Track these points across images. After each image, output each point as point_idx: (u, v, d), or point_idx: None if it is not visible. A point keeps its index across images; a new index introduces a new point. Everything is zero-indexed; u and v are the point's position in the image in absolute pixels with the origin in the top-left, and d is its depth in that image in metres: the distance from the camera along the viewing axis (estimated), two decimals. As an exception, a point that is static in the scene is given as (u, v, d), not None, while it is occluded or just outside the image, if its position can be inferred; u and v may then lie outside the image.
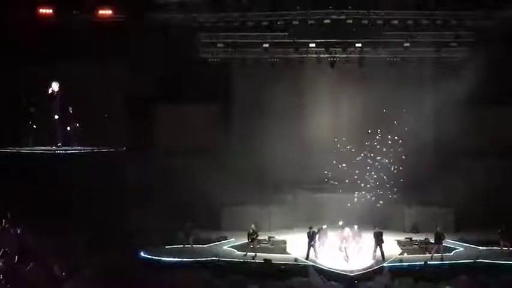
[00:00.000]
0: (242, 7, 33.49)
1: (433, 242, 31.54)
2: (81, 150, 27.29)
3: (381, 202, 36.39)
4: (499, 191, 34.81)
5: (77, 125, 27.70)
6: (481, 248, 32.34)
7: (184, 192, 34.56)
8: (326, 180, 37.64)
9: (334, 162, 36.99)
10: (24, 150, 26.99)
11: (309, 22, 33.65)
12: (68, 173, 26.48)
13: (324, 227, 31.79)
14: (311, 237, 30.91)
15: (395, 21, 33.26)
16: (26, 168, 26.31)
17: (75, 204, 27.62)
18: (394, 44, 34.72)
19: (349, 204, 35.78)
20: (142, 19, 32.37)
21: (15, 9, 29.44)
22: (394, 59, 35.85)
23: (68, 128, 26.90)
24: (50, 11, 29.58)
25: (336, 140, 37.14)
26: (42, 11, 28.95)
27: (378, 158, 36.93)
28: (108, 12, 30.43)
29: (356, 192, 36.62)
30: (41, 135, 26.97)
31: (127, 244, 29.75)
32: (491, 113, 36.02)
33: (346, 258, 30.57)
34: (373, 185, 36.68)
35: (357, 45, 34.76)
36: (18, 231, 24.73)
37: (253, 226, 31.96)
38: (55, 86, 22.23)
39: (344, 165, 36.86)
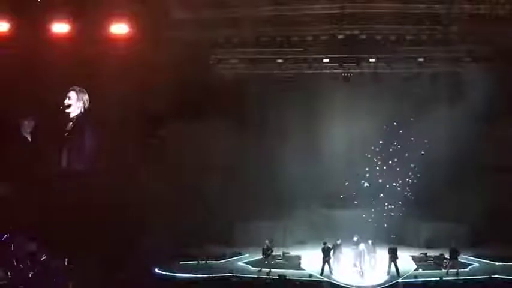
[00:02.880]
0: (257, 23, 33.56)
1: (449, 257, 31.44)
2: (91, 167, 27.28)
3: (396, 218, 36.37)
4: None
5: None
6: (496, 263, 32.21)
7: (199, 208, 34.60)
8: (341, 197, 37.65)
9: (350, 178, 37.05)
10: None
11: (322, 38, 33.66)
12: (80, 190, 26.52)
13: (339, 242, 31.76)
14: (326, 252, 30.89)
15: (410, 37, 33.17)
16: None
17: (88, 222, 27.67)
18: (408, 59, 34.68)
19: (364, 220, 35.81)
20: (157, 35, 32.49)
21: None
22: (408, 74, 35.80)
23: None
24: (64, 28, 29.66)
25: (354, 157, 37.23)
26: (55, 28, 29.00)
27: (393, 173, 36.94)
28: (122, 28, 30.45)
29: (371, 208, 36.61)
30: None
31: (141, 260, 29.75)
32: (506, 128, 35.87)
33: (360, 273, 30.52)
34: (388, 200, 36.66)
35: (371, 60, 34.76)
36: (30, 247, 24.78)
37: (267, 242, 32.01)
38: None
39: (360, 181, 36.94)
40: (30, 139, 24.10)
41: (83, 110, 20.46)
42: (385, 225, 35.59)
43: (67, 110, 20.28)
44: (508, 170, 35.45)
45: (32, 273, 23.89)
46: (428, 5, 31.40)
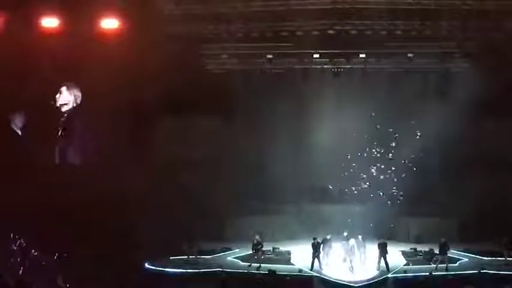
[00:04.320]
0: (246, 18, 33.46)
1: (438, 252, 31.55)
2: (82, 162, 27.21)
3: (386, 213, 36.50)
4: (503, 202, 34.78)
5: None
6: (485, 258, 32.35)
7: (188, 203, 34.55)
8: (331, 192, 37.78)
9: (340, 173, 37.16)
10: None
11: (313, 33, 33.66)
12: (71, 186, 26.50)
13: (329, 237, 31.79)
14: (316, 248, 30.91)
15: (400, 32, 33.21)
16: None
17: (78, 218, 27.64)
18: (398, 54, 34.74)
19: (354, 215, 35.89)
20: (146, 30, 32.39)
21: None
22: (398, 69, 35.86)
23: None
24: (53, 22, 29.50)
25: (343, 152, 37.31)
26: (44, 22, 28.82)
27: (383, 168, 37.07)
28: (113, 23, 30.33)
29: (361, 203, 36.73)
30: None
31: (131, 256, 29.71)
32: (495, 124, 35.98)
33: (350, 269, 30.55)
34: (378, 196, 36.78)
35: (361, 55, 34.80)
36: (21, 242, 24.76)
37: (257, 237, 31.99)
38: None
39: (350, 176, 37.04)
40: (21, 134, 24.01)
41: (74, 105, 20.40)
42: (375, 220, 35.65)
43: (58, 105, 20.20)
44: (497, 165, 35.63)
45: (22, 268, 23.92)
46: (418, 1, 31.47)
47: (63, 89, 20.52)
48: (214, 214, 35.55)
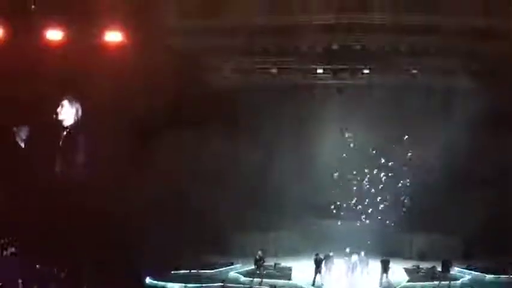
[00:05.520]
0: (249, 32, 33.44)
1: (440, 269, 31.42)
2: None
3: (389, 229, 36.39)
4: (506, 219, 34.64)
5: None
6: (488, 276, 32.20)
7: (191, 217, 34.45)
8: (334, 208, 37.63)
9: (343, 189, 37.08)
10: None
11: (317, 48, 33.65)
12: (73, 198, 26.49)
13: (331, 254, 31.64)
14: (318, 263, 30.79)
15: (404, 48, 33.18)
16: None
17: (79, 230, 27.59)
18: (402, 70, 34.67)
19: (357, 231, 35.78)
20: (149, 43, 32.42)
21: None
22: (402, 85, 35.76)
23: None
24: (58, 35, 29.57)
25: (348, 168, 37.29)
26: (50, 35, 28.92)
27: (386, 184, 36.95)
28: (116, 36, 30.38)
29: (364, 220, 36.64)
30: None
31: (133, 269, 29.60)
32: (499, 141, 35.86)
33: (353, 285, 30.42)
34: (381, 212, 36.66)
35: (365, 71, 34.76)
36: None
37: (260, 252, 31.92)
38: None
39: (354, 192, 36.96)
40: (23, 146, 24.07)
41: (76, 118, 20.46)
42: (378, 237, 35.51)
43: (60, 118, 20.27)
44: (499, 182, 35.50)
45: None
46: (423, 17, 31.48)
47: (65, 102, 20.61)
48: (216, 228, 35.44)
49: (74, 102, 19.98)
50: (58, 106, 21.27)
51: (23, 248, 25.66)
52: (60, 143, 22.60)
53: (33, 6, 29.05)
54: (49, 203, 26.74)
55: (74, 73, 30.65)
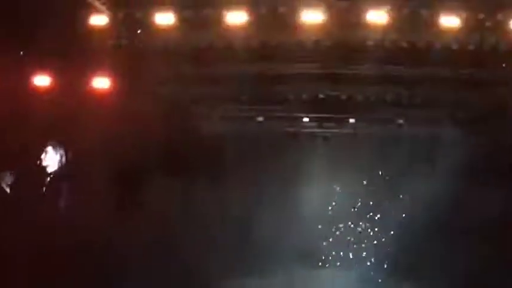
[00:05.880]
0: (237, 81, 33.62)
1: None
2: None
3: (377, 277, 36.28)
4: (493, 269, 34.53)
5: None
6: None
7: (180, 264, 34.27)
8: (321, 257, 37.53)
9: (330, 238, 36.99)
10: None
11: (303, 96, 33.84)
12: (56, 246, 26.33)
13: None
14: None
15: (390, 98, 33.39)
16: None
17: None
18: (388, 120, 34.85)
19: (344, 279, 35.65)
20: (139, 90, 32.50)
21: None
22: (388, 135, 35.89)
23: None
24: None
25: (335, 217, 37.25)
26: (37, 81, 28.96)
27: (373, 233, 36.90)
28: (104, 82, 30.47)
29: (351, 268, 36.53)
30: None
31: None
32: (486, 190, 35.87)
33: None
34: (369, 260, 36.57)
35: (351, 121, 34.94)
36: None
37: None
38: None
39: (341, 240, 36.89)
40: (8, 191, 23.96)
41: (60, 164, 20.43)
42: (366, 284, 35.38)
43: (44, 165, 20.23)
44: (487, 231, 35.44)
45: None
46: (408, 68, 31.67)
47: (49, 148, 20.60)
48: (202, 276, 35.21)
49: (58, 148, 19.88)
50: (42, 152, 21.19)
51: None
52: (43, 189, 22.54)
53: (21, 52, 29.15)
54: (31, 248, 26.54)
55: (60, 119, 30.83)
